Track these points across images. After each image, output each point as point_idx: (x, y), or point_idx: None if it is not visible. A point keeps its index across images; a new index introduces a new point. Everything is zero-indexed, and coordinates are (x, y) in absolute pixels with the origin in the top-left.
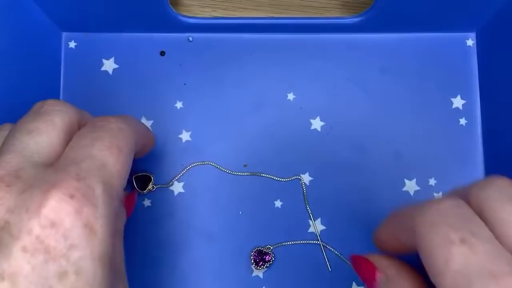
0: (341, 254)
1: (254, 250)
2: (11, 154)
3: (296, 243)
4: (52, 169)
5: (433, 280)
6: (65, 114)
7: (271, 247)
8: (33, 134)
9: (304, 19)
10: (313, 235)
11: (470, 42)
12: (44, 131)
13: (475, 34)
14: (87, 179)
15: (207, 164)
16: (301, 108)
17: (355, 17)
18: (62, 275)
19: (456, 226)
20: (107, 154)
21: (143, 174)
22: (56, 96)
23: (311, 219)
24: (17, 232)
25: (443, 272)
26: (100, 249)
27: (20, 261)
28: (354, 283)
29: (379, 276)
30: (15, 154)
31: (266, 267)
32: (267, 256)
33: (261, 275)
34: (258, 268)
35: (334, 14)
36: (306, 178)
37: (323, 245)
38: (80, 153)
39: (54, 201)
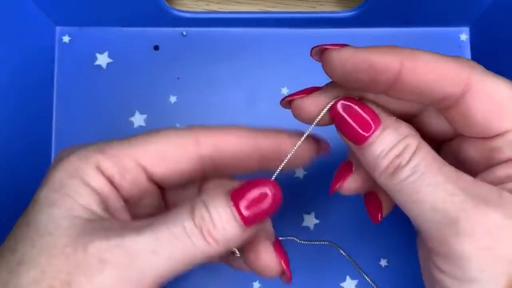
0: (343, 250)
1: None
2: None
3: (288, 239)
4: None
5: (503, 126)
6: None
7: None
8: None
9: (298, 13)
10: (307, 229)
11: (464, 37)
12: None
13: (468, 28)
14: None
15: None
16: None
17: (349, 11)
18: None
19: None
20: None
21: None
22: (49, 90)
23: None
24: None
25: None
26: None
27: None
28: (347, 276)
29: (379, 126)
30: None
31: None
32: None
33: None
34: None
35: (328, 8)
36: (300, 172)
37: (317, 242)
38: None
39: None
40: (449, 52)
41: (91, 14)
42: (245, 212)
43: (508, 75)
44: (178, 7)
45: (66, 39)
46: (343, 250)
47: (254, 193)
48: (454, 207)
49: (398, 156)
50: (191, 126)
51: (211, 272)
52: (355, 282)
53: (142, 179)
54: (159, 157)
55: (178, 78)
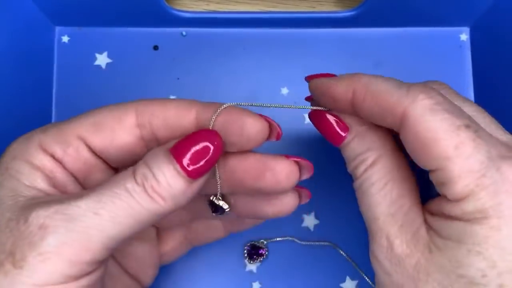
0: (343, 251)
1: (247, 244)
2: None
3: (287, 239)
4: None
5: (428, 164)
6: None
7: (265, 242)
8: None
9: (298, 13)
10: (307, 230)
11: (464, 37)
12: None
13: (468, 29)
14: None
15: None
16: (294, 102)
17: (349, 11)
18: None
19: (456, 112)
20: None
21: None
22: (48, 90)
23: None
24: None
25: (454, 156)
26: None
27: None
28: (347, 277)
29: (349, 132)
30: None
31: (260, 261)
32: (261, 250)
33: (254, 269)
34: (251, 262)
35: (328, 8)
36: None
37: (317, 243)
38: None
39: None
40: (449, 52)
41: (90, 14)
42: (188, 165)
43: (508, 74)
44: (177, 7)
45: (65, 39)
46: (343, 251)
47: (194, 144)
48: (372, 230)
49: (355, 167)
50: (133, 100)
51: (212, 272)
52: (355, 282)
53: (84, 152)
54: (95, 126)
55: (178, 78)
